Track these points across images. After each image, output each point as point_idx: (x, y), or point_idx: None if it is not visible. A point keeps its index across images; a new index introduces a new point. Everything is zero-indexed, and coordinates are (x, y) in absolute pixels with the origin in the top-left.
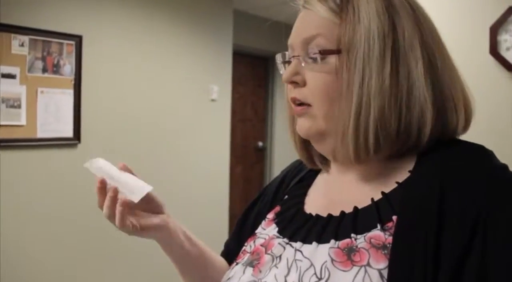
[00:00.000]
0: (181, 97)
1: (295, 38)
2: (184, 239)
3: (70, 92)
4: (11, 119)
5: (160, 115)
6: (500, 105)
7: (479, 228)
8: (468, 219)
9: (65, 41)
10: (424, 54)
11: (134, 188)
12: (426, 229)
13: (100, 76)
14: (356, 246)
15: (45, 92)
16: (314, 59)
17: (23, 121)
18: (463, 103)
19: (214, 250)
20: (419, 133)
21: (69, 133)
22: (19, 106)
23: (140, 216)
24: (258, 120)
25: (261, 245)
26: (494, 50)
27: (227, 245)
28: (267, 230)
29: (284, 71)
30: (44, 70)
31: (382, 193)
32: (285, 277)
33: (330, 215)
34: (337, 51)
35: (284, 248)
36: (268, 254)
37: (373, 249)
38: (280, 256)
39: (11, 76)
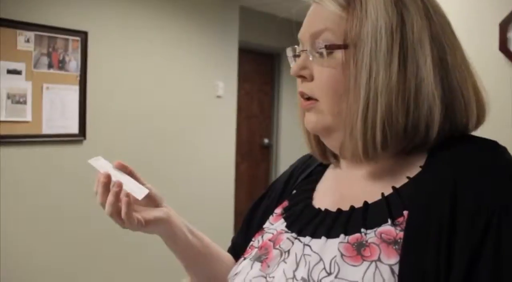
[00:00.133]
0: (186, 94)
1: (304, 32)
2: (187, 232)
3: (76, 88)
4: (16, 116)
5: (166, 111)
6: (510, 100)
7: (493, 225)
8: (482, 216)
9: (71, 37)
10: (433, 49)
11: (135, 187)
12: (439, 224)
13: (106, 72)
14: (366, 241)
15: (51, 88)
16: (321, 54)
17: (28, 118)
18: (475, 99)
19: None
20: (427, 130)
21: (75, 129)
22: (24, 102)
23: (141, 210)
24: (264, 117)
25: (269, 240)
26: (504, 47)
27: (233, 240)
28: (275, 224)
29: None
30: (50, 66)
31: (393, 187)
32: (294, 272)
33: (339, 210)
34: (344, 46)
35: (293, 242)
36: (276, 248)
37: (384, 244)
38: (288, 251)
39: (16, 72)
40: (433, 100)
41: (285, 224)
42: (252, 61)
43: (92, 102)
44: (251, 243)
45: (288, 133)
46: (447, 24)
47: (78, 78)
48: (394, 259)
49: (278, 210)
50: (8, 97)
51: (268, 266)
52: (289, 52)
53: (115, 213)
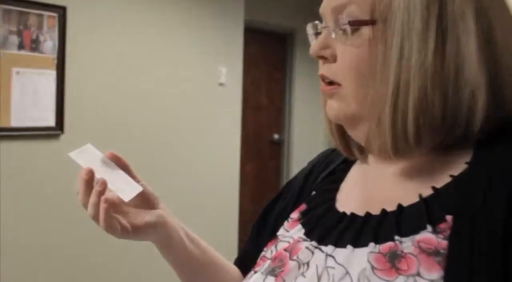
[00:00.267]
0: (183, 80)
1: (325, 6)
2: (186, 239)
3: (52, 73)
4: None
5: (159, 101)
6: None
7: None
8: None
9: (46, 13)
10: (479, 26)
11: (125, 185)
12: (491, 231)
13: (88, 54)
14: (402, 251)
15: (22, 73)
16: (345, 31)
17: None
18: None
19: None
20: (470, 120)
21: (51, 122)
22: None
23: (130, 214)
24: (274, 108)
25: (285, 250)
26: None
27: (241, 250)
28: (291, 232)
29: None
30: (21, 47)
31: (433, 188)
32: None
33: (368, 214)
34: (371, 22)
35: (313, 253)
36: (293, 260)
37: (422, 255)
38: (307, 263)
39: None
40: (476, 84)
41: (303, 230)
42: (260, 44)
43: (71, 90)
44: (263, 253)
45: (302, 128)
46: None
47: (55, 61)
48: (436, 274)
49: (295, 215)
50: None
51: (284, 281)
52: (309, 29)
53: (98, 216)
